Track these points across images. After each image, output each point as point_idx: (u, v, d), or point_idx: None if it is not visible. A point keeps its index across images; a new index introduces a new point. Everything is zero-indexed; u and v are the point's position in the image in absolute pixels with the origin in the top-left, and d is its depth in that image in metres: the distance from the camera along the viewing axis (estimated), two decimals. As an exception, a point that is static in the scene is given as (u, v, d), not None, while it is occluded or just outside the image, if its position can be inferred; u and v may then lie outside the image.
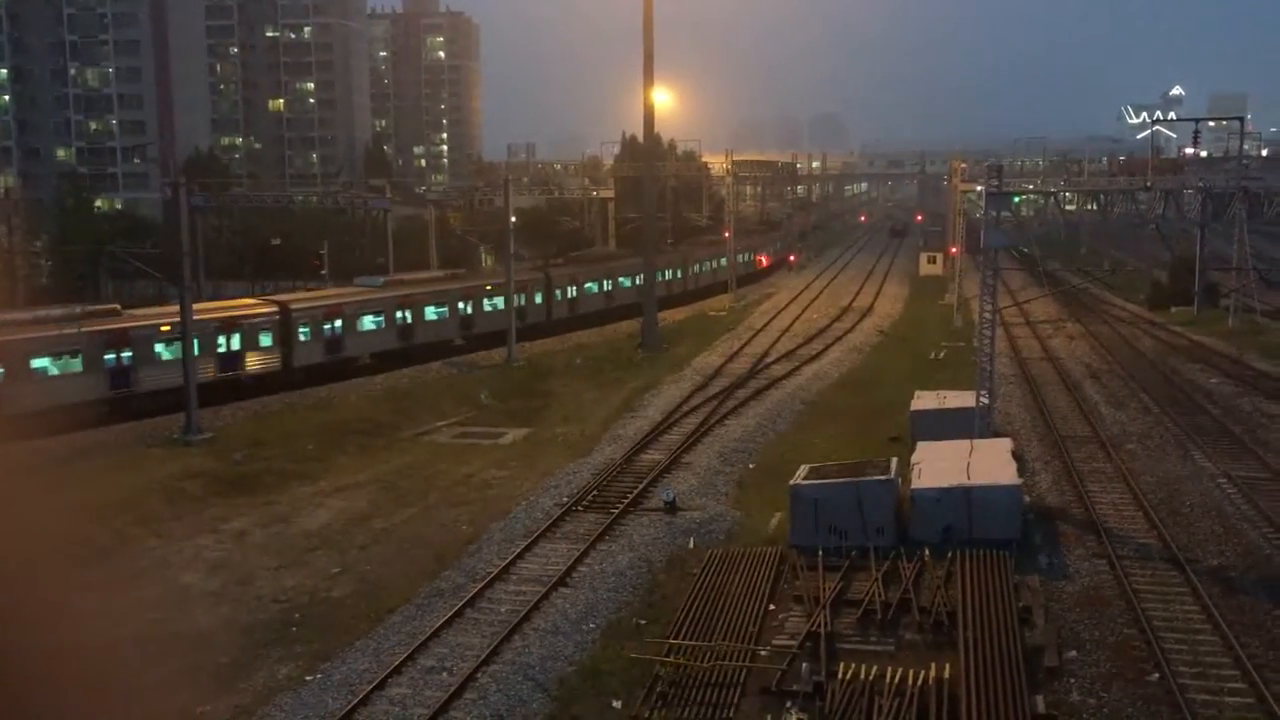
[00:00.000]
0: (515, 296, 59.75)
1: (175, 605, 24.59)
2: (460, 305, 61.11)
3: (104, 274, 72.54)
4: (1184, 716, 18.01)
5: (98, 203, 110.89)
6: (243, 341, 48.94)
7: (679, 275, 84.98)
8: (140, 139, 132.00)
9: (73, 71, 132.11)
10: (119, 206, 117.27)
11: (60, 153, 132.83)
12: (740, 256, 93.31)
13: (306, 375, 50.82)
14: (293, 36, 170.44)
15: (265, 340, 50.18)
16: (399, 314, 56.94)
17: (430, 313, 59.10)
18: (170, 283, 45.69)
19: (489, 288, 63.01)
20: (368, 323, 55.50)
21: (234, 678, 20.91)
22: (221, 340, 48.01)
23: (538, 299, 66.85)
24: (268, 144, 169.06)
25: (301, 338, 51.80)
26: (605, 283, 74.72)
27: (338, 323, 53.50)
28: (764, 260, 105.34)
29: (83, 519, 30.33)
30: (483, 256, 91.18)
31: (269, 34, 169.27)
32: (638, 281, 73.61)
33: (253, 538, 29.46)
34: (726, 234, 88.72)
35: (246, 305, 52.98)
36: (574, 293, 70.69)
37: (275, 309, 51.61)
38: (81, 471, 36.16)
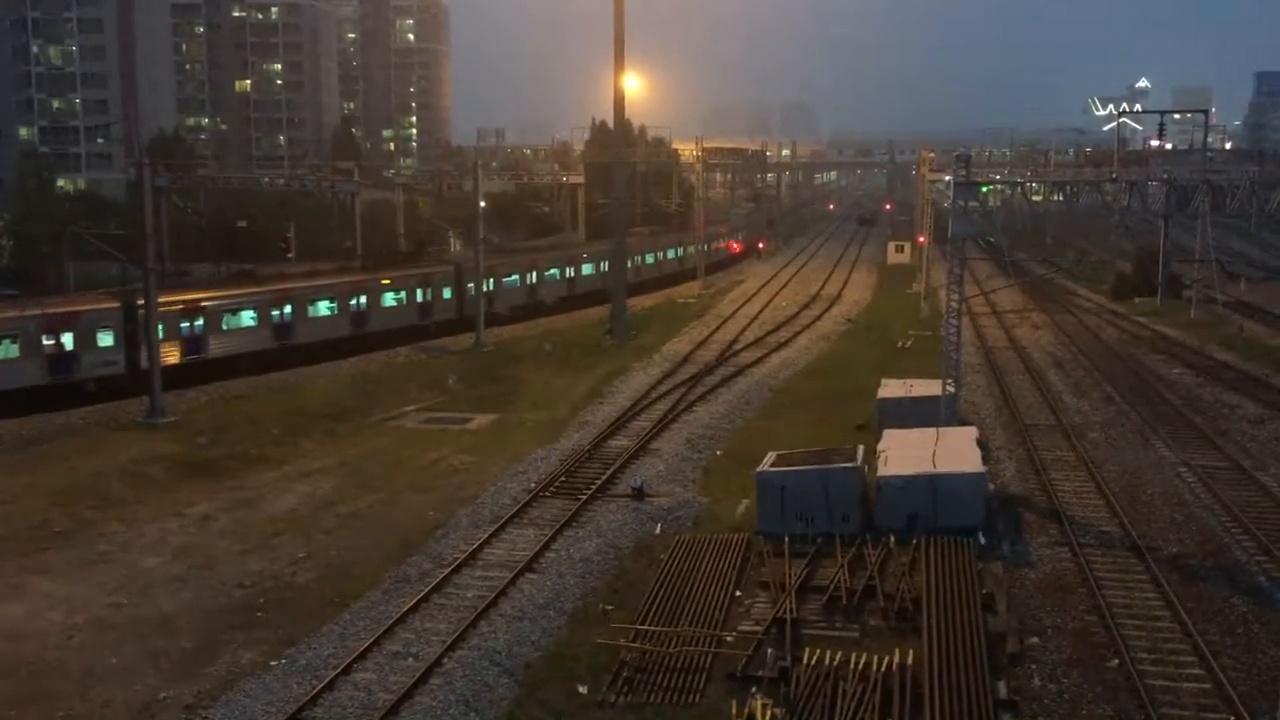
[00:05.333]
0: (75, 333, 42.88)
1: (138, 590, 24.39)
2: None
3: (66, 255, 71.54)
4: (1143, 701, 18.28)
5: (60, 182, 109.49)
6: None
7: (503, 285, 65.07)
8: (104, 118, 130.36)
9: (35, 49, 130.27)
10: (82, 186, 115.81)
11: (22, 131, 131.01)
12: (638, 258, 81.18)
13: None
14: (260, 17, 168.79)
15: None
16: None
17: None
18: (133, 264, 45.04)
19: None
20: None
21: (197, 663, 20.79)
22: None
23: (102, 341, 43.58)
24: (234, 125, 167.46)
25: None
26: (279, 310, 51.00)
27: None
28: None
29: (44, 502, 30.10)
30: (451, 241, 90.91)
31: (236, 14, 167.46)
32: (362, 304, 54.95)
33: (217, 522, 29.24)
34: (697, 220, 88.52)
35: None
36: (201, 326, 47.57)
37: None
38: (42, 454, 35.84)
